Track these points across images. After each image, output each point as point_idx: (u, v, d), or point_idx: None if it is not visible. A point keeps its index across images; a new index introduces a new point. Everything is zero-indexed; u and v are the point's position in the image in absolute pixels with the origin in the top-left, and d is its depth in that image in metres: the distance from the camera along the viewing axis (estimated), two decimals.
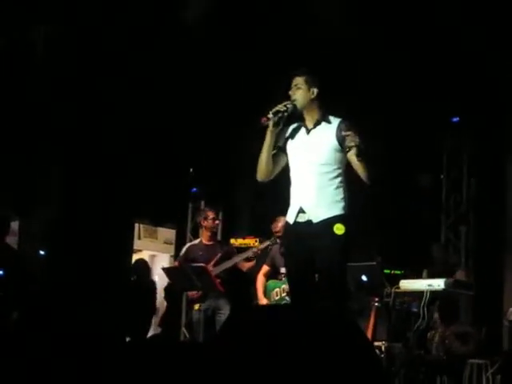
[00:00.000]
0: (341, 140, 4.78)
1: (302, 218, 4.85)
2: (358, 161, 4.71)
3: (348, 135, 4.64)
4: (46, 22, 7.90)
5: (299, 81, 4.93)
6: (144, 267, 9.81)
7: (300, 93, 4.91)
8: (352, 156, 4.75)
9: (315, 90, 4.93)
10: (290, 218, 4.91)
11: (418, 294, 6.79)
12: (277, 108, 4.85)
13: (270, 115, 4.82)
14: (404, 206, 8.92)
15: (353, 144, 4.62)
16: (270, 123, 4.84)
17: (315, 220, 4.80)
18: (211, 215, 7.68)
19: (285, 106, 4.86)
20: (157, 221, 10.94)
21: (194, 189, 9.98)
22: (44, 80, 8.19)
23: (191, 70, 8.26)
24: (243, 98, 8.40)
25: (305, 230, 4.83)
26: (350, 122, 4.87)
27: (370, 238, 8.15)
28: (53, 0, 7.77)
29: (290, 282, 5.23)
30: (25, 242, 8.84)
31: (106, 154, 9.05)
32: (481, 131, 8.87)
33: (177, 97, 8.65)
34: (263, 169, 4.97)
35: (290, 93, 4.93)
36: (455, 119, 8.97)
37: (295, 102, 4.90)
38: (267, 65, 7.83)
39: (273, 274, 7.48)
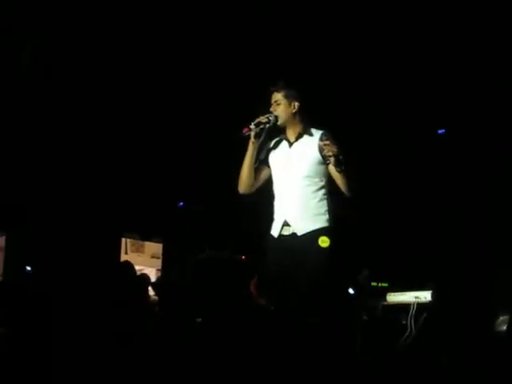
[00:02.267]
0: (322, 152, 4.78)
1: (286, 231, 4.86)
2: (337, 171, 4.72)
3: (326, 145, 4.64)
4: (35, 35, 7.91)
5: (278, 96, 4.92)
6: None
7: (281, 108, 4.91)
8: (331, 167, 4.76)
9: (296, 104, 4.92)
10: (275, 231, 4.90)
11: (405, 307, 6.78)
12: (258, 119, 4.85)
13: (252, 126, 4.83)
14: (392, 217, 8.91)
15: (330, 154, 4.62)
16: (252, 134, 4.85)
17: (300, 233, 4.80)
18: None
19: (267, 117, 4.87)
20: (144, 235, 10.92)
21: (182, 203, 9.98)
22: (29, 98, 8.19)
23: (174, 86, 8.28)
24: (227, 111, 8.41)
25: (290, 243, 4.83)
26: (332, 133, 4.87)
27: (357, 251, 8.15)
28: (41, 14, 7.79)
29: (273, 296, 5.21)
30: (11, 258, 8.81)
31: (93, 168, 9.04)
32: (465, 147, 8.87)
33: (161, 112, 8.66)
34: (244, 181, 4.97)
35: (271, 109, 4.92)
36: (441, 131, 8.97)
37: (277, 118, 4.89)
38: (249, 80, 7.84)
39: None
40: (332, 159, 4.63)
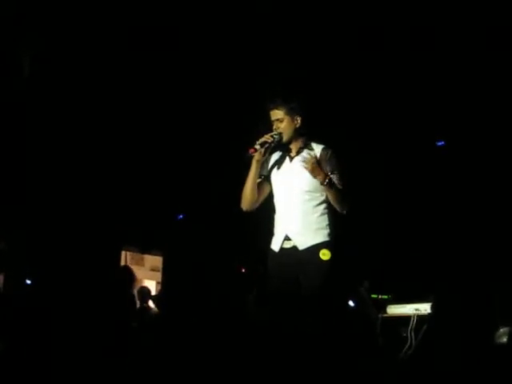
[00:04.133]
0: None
1: (287, 245, 4.85)
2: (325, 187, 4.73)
3: (306, 158, 4.70)
4: (34, 42, 7.92)
5: (279, 114, 4.87)
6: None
7: (285, 125, 4.87)
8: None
9: (299, 118, 4.89)
10: (276, 245, 4.89)
11: (405, 319, 6.79)
12: (263, 139, 4.81)
13: (258, 146, 4.80)
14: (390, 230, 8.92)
15: (304, 166, 4.68)
16: (257, 154, 4.82)
17: (301, 247, 4.80)
18: None
19: (271, 136, 4.83)
20: (143, 248, 10.93)
21: (181, 216, 9.99)
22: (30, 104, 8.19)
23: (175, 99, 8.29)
24: (224, 125, 8.43)
25: (290, 257, 4.82)
26: (333, 149, 4.88)
27: (358, 264, 8.14)
28: (39, 22, 7.80)
29: (274, 309, 5.21)
30: (11, 270, 8.79)
31: (93, 180, 9.04)
32: (465, 157, 8.88)
33: (161, 125, 8.67)
34: (248, 198, 4.93)
35: (274, 127, 4.87)
36: (440, 143, 8.99)
37: (282, 135, 4.86)
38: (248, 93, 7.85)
39: None
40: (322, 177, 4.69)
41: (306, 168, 4.70)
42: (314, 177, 4.71)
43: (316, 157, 4.78)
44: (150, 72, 8.14)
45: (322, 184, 4.71)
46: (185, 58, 7.96)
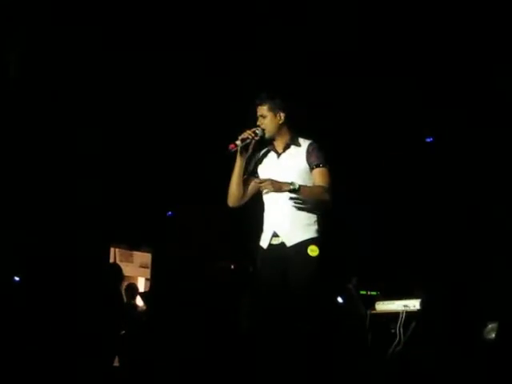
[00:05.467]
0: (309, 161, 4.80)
1: (275, 242, 4.84)
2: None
3: (261, 182, 4.70)
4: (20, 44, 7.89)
5: (263, 110, 4.88)
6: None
7: (267, 121, 4.88)
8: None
9: (282, 115, 4.90)
10: (264, 242, 4.89)
11: (394, 315, 6.79)
12: (244, 135, 4.81)
13: (238, 142, 4.79)
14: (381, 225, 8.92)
15: (270, 190, 4.69)
16: (238, 150, 4.80)
17: (289, 244, 4.79)
18: None
19: (253, 131, 4.83)
20: (132, 244, 10.91)
21: (170, 212, 9.98)
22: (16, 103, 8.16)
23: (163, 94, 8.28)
24: (215, 121, 8.42)
25: (279, 253, 4.81)
26: (319, 144, 4.88)
27: (346, 260, 8.15)
28: (26, 24, 7.78)
29: (263, 305, 5.21)
30: None
31: (80, 176, 9.02)
32: (455, 151, 8.89)
33: (150, 121, 8.65)
34: (234, 194, 4.93)
35: (258, 123, 4.88)
36: (429, 139, 9.00)
37: (264, 131, 4.86)
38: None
39: None
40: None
41: (271, 190, 4.70)
42: (281, 191, 4.70)
43: (269, 178, 4.73)
44: (137, 70, 8.13)
45: (290, 192, 4.70)
46: (172, 55, 7.95)
